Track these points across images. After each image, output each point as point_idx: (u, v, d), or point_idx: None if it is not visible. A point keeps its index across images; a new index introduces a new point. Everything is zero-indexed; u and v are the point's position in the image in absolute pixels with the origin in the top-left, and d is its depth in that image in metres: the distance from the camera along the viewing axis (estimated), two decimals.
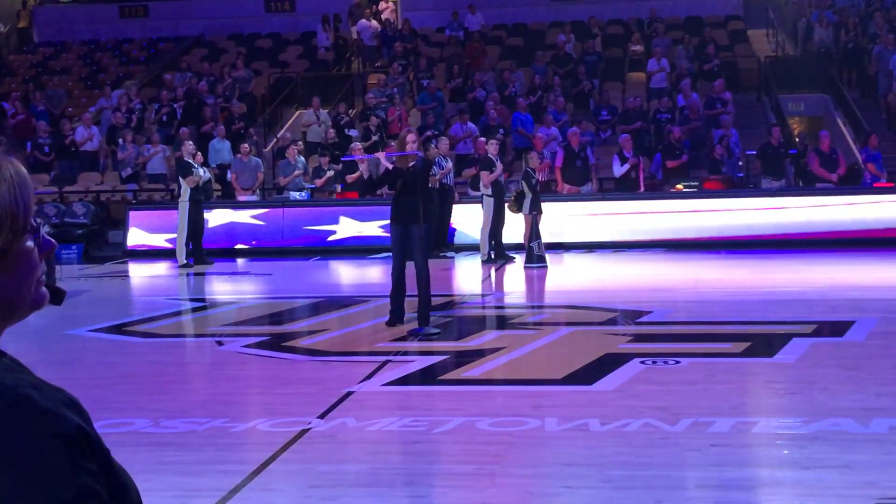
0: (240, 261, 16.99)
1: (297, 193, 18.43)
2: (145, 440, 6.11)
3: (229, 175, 18.98)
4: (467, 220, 16.83)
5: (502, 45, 25.87)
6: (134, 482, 1.44)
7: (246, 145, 18.77)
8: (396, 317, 9.75)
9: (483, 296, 12.97)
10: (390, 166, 9.78)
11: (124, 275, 16.37)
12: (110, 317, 11.29)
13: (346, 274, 15.88)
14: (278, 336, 9.70)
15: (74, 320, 10.78)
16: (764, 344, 8.70)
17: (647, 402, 6.63)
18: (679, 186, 17.87)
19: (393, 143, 10.98)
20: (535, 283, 13.66)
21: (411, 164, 9.57)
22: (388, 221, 10.08)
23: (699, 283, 13.30)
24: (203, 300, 13.47)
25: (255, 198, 18.72)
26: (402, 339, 9.26)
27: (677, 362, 7.94)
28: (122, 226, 18.33)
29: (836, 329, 9.35)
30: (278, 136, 22.59)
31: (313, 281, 15.20)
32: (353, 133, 20.77)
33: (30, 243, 1.40)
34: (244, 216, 17.86)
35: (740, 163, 19.37)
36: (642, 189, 18.08)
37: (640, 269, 14.87)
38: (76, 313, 11.37)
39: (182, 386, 7.96)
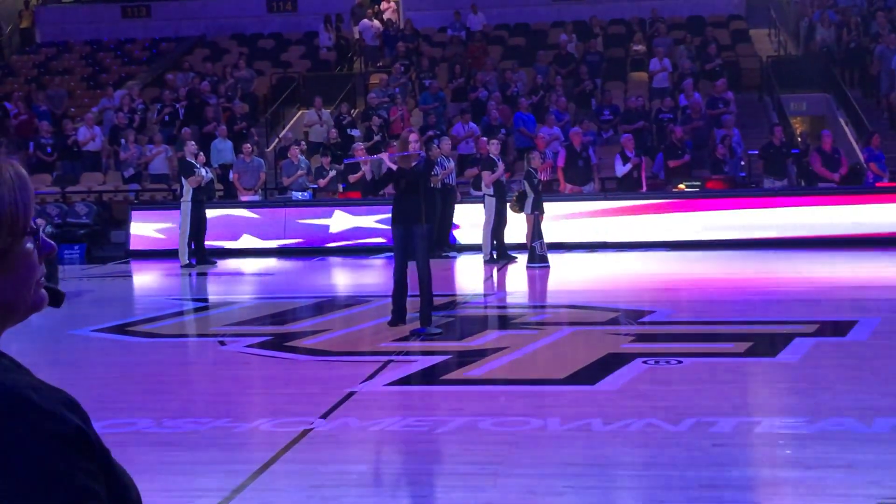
0: (241, 261, 16.99)
1: (300, 194, 18.43)
2: (148, 440, 6.11)
3: (231, 175, 18.99)
4: (469, 220, 16.83)
5: (504, 44, 25.86)
6: (134, 483, 1.44)
7: (248, 145, 18.78)
8: (398, 317, 9.76)
9: (485, 296, 12.97)
10: (393, 167, 9.78)
11: (127, 275, 16.39)
12: (113, 317, 11.31)
13: (347, 274, 15.87)
14: (281, 336, 9.70)
15: (77, 320, 10.79)
16: (766, 344, 8.71)
17: (650, 402, 6.62)
18: (681, 186, 17.85)
19: (395, 144, 10.98)
20: (538, 282, 13.65)
21: (413, 164, 9.58)
22: (388, 215, 10.06)
23: (701, 282, 13.29)
24: (205, 300, 13.48)
25: (257, 198, 18.73)
26: (405, 339, 9.25)
27: (680, 362, 7.94)
28: (125, 226, 18.35)
29: (838, 329, 9.35)
30: (280, 136, 22.62)
31: (315, 281, 15.20)
32: (356, 133, 20.78)
33: (29, 245, 1.40)
34: (245, 215, 17.87)
35: (742, 163, 19.36)
36: (644, 189, 18.06)
37: (642, 268, 14.86)
38: (79, 313, 11.38)
39: (184, 386, 7.97)
